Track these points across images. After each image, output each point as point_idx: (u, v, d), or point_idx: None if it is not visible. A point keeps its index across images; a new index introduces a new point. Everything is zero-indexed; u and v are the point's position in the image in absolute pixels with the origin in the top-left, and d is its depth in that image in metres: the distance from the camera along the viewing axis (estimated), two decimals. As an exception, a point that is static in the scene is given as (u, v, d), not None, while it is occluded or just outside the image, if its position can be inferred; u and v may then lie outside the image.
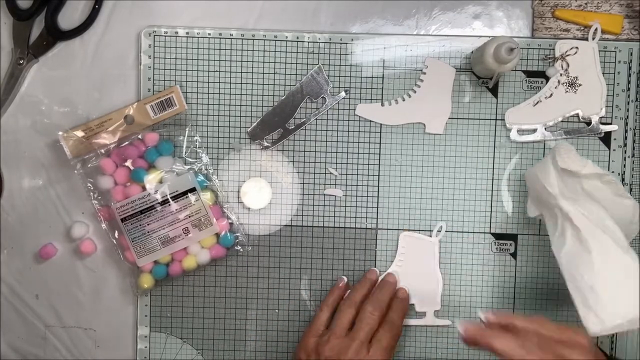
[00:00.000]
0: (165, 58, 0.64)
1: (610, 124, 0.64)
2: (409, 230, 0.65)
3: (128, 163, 0.63)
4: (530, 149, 0.64)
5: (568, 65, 0.63)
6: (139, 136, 0.63)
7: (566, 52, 0.63)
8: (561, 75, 0.63)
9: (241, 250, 0.65)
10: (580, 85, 0.63)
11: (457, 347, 0.65)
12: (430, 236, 0.65)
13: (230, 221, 0.64)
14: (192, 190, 0.63)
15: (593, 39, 0.63)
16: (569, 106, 0.64)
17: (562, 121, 0.64)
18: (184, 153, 0.64)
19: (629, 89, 0.64)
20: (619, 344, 0.65)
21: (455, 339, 0.65)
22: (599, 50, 0.63)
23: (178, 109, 0.64)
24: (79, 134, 0.63)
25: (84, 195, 0.64)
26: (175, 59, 0.64)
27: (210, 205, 0.63)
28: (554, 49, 0.63)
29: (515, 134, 0.64)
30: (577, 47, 0.63)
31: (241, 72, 0.65)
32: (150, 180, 0.62)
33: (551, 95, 0.63)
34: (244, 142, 0.65)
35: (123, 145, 0.63)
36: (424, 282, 0.65)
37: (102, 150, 0.63)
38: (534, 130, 0.64)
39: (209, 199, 0.63)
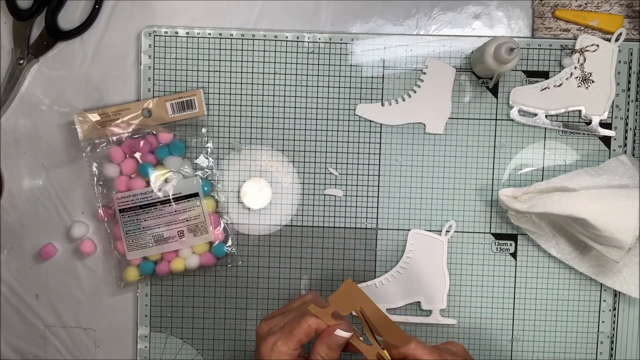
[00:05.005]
0: (165, 58, 0.64)
1: (611, 127, 0.64)
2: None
3: (137, 156, 0.63)
4: (530, 148, 0.65)
5: (585, 60, 0.63)
6: (153, 131, 0.63)
7: (586, 47, 0.63)
8: (575, 68, 0.63)
9: (230, 265, 0.65)
10: (593, 82, 0.63)
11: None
12: (440, 234, 0.65)
13: (226, 233, 0.64)
14: (195, 195, 0.63)
15: (616, 41, 0.63)
16: (574, 100, 0.64)
17: (563, 113, 0.64)
18: (195, 157, 0.64)
19: (629, 89, 0.64)
20: (619, 343, 0.65)
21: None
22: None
23: (197, 112, 0.64)
24: (95, 117, 0.63)
25: (86, 185, 0.64)
26: (175, 59, 0.64)
27: (210, 212, 0.63)
28: (575, 40, 0.63)
29: (515, 113, 0.64)
30: (597, 45, 0.63)
31: (241, 72, 0.65)
32: (156, 177, 0.62)
33: (561, 84, 0.63)
34: (244, 142, 0.65)
35: (136, 137, 0.63)
36: (431, 280, 0.65)
37: (114, 138, 0.63)
38: (535, 115, 0.64)
39: (209, 207, 0.63)
